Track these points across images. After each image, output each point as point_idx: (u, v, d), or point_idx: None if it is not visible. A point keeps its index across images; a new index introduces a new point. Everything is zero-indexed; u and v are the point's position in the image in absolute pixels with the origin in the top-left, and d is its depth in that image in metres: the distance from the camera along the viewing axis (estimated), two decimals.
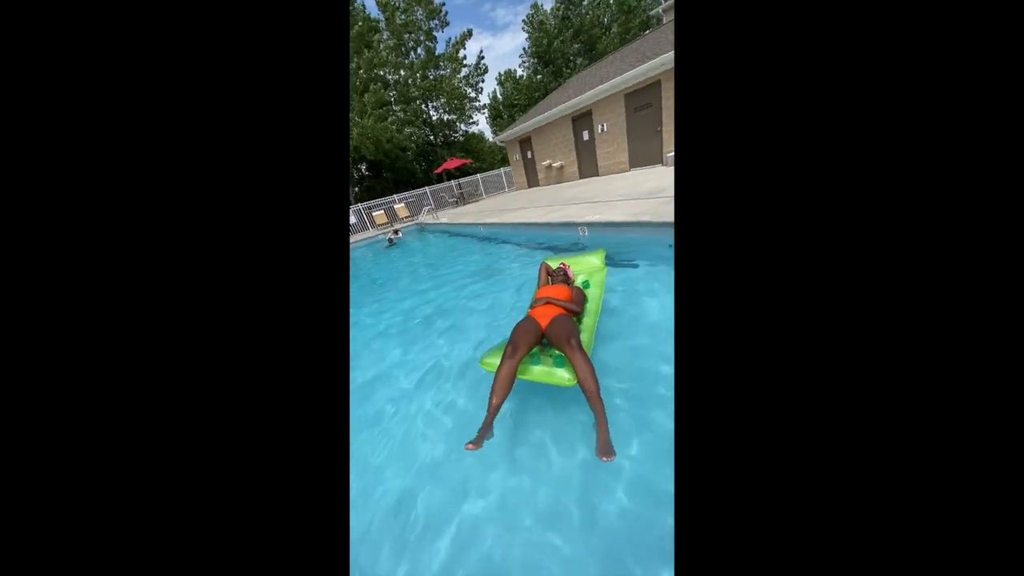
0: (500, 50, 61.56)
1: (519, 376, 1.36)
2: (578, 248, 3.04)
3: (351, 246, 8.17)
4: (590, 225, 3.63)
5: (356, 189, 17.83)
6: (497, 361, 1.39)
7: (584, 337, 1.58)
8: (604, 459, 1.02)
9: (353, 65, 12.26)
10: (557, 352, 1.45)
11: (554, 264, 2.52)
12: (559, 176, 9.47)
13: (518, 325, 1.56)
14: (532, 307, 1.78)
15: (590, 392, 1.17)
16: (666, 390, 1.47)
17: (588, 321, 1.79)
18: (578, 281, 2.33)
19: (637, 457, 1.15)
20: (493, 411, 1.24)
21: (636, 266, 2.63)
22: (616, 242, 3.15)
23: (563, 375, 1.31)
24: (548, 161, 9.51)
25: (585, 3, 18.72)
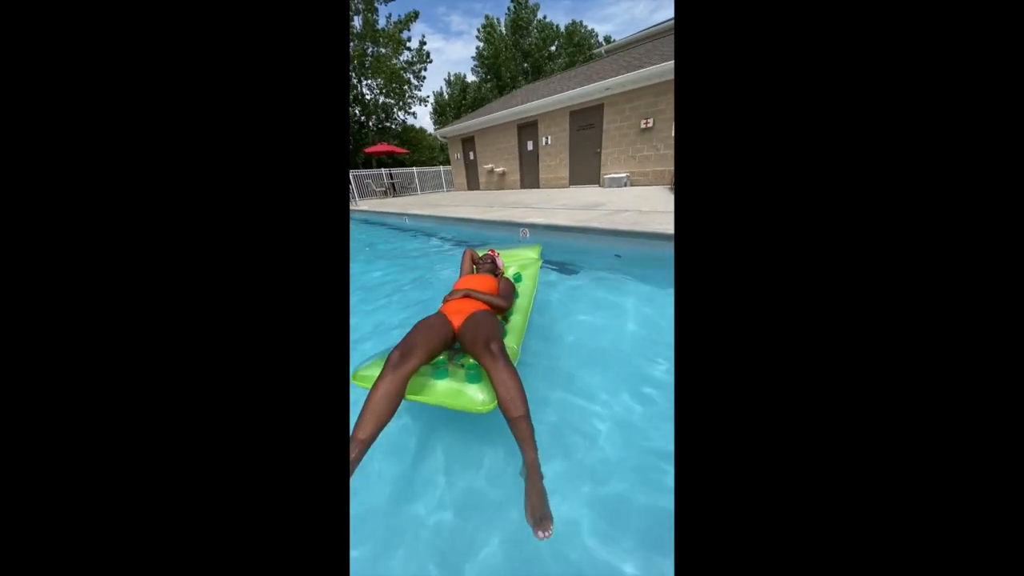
0: (451, 55, 61.26)
1: (412, 397, 0.92)
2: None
3: None
4: (532, 227, 3.29)
5: None
6: (376, 374, 0.92)
7: (511, 341, 1.22)
8: (540, 534, 0.65)
9: None
10: (472, 361, 1.05)
11: (481, 252, 2.00)
12: (500, 182, 9.25)
13: (420, 322, 1.11)
14: (445, 300, 1.35)
15: (515, 416, 0.82)
16: (602, 408, 1.17)
17: (516, 319, 1.43)
18: (508, 273, 1.94)
19: (583, 521, 0.77)
20: (360, 448, 0.78)
21: (576, 272, 2.35)
22: (558, 246, 2.85)
23: (476, 396, 0.90)
24: (491, 165, 9.21)
25: (534, 30, 19.81)
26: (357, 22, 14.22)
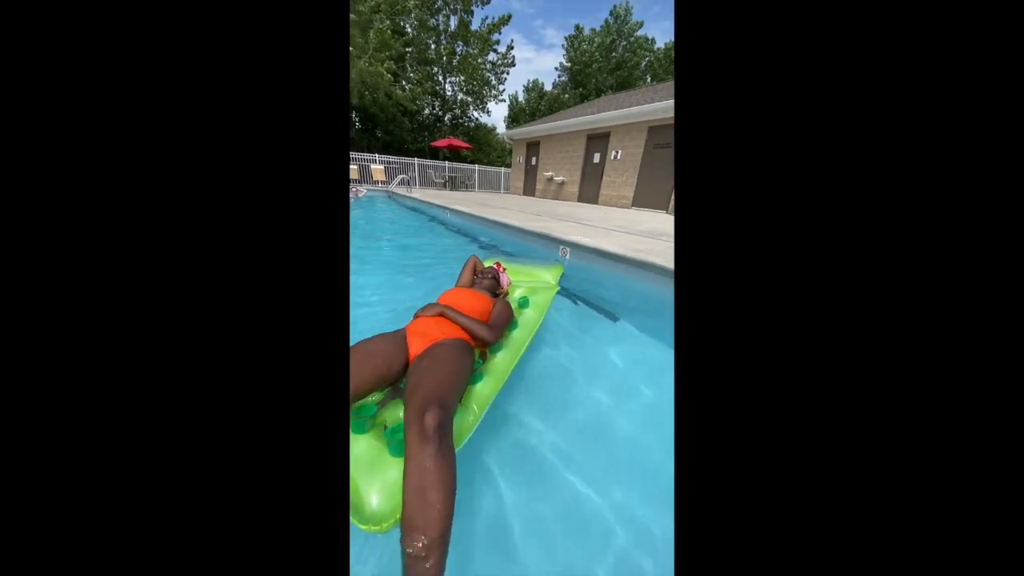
0: (539, 66, 62.90)
1: None
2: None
3: None
4: (575, 247, 2.79)
5: None
6: None
7: (481, 390, 0.88)
8: None
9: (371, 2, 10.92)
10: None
11: (488, 262, 1.57)
12: (557, 192, 8.82)
13: (361, 343, 0.80)
14: (416, 315, 1.03)
15: (419, 544, 0.45)
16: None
17: (502, 360, 1.06)
18: (514, 295, 1.56)
19: None
20: None
21: (614, 318, 1.70)
22: (598, 278, 2.32)
23: (368, 499, 0.54)
24: (551, 173, 8.85)
25: (626, 43, 19.06)
26: (453, 22, 15.01)
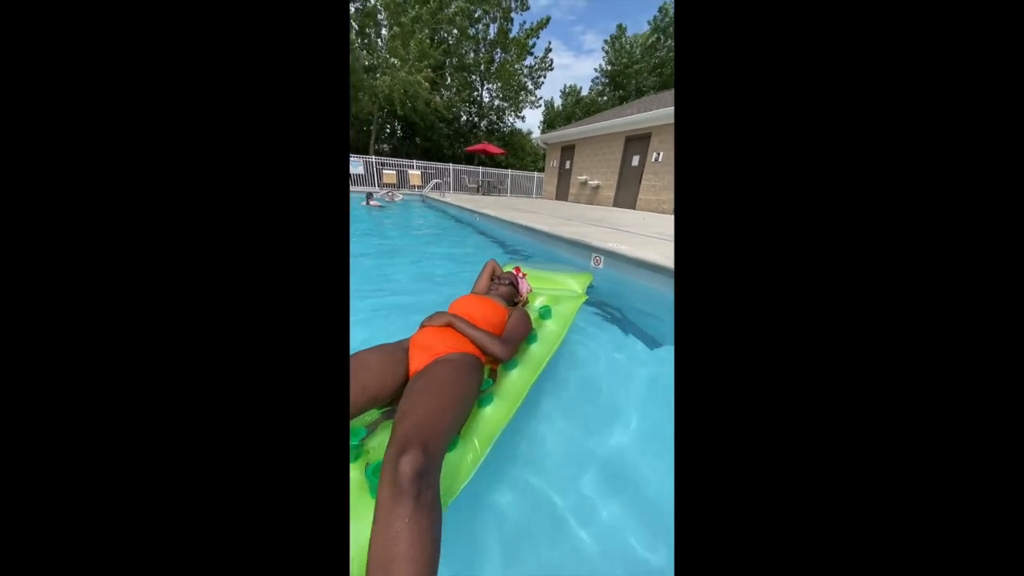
0: (577, 71, 62.58)
1: None
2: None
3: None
4: (610, 256, 2.59)
5: (386, 146, 17.09)
6: None
7: (492, 414, 0.76)
8: None
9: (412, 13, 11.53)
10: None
11: (508, 266, 1.53)
12: (592, 196, 8.54)
13: (361, 353, 0.72)
14: (422, 325, 0.92)
15: None
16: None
17: (516, 379, 0.93)
18: (534, 304, 1.41)
19: None
20: None
21: (656, 343, 1.45)
22: (637, 292, 2.10)
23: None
24: (585, 177, 8.60)
25: (671, 41, 18.22)
26: (492, 29, 15.40)
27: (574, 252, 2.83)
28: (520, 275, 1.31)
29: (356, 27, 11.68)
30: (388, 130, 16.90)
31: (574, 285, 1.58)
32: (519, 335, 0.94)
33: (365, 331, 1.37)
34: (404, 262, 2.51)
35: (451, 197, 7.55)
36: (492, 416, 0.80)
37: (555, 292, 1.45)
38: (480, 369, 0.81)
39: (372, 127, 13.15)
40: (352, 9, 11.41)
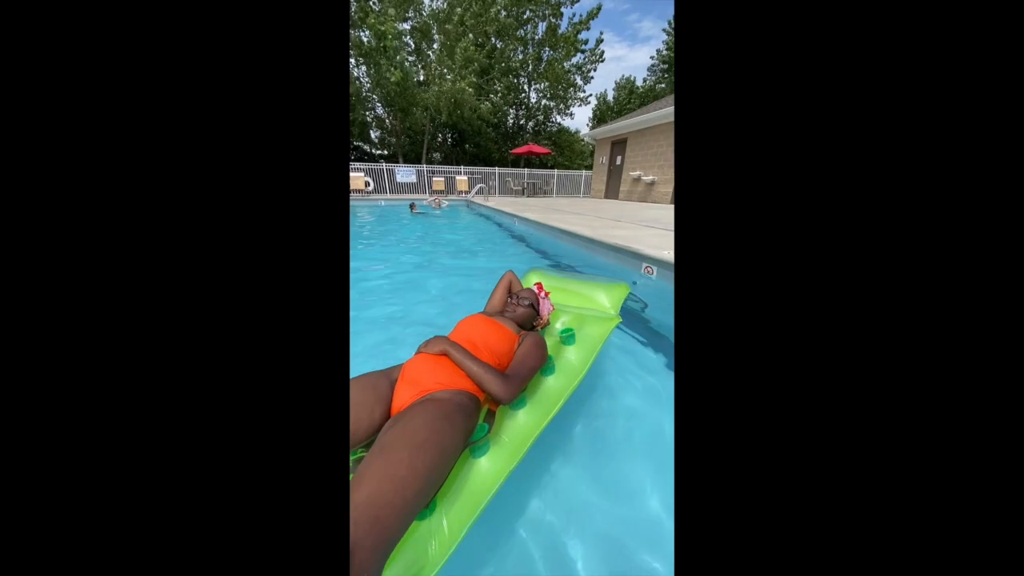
0: (631, 62, 59.22)
1: None
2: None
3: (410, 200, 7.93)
4: (661, 264, 2.27)
5: (437, 155, 18.20)
6: None
7: (485, 469, 0.66)
8: None
9: (458, 15, 12.00)
10: None
11: (534, 279, 1.39)
12: (646, 193, 7.88)
13: (362, 377, 0.70)
14: (418, 350, 0.83)
15: None
16: None
17: (523, 423, 0.79)
18: (555, 325, 1.22)
19: None
20: None
21: None
22: None
23: None
24: (639, 172, 7.98)
25: None
26: (541, 28, 15.34)
27: (621, 260, 2.55)
28: (543, 294, 1.15)
29: (412, 45, 12.64)
30: (439, 139, 17.96)
31: (604, 301, 1.36)
32: (528, 369, 0.80)
33: (367, 357, 1.36)
34: (430, 274, 2.53)
35: (494, 201, 7.64)
36: (486, 471, 0.67)
37: (581, 311, 1.26)
38: (475, 411, 0.70)
39: (424, 137, 14.07)
40: (408, 26, 12.32)
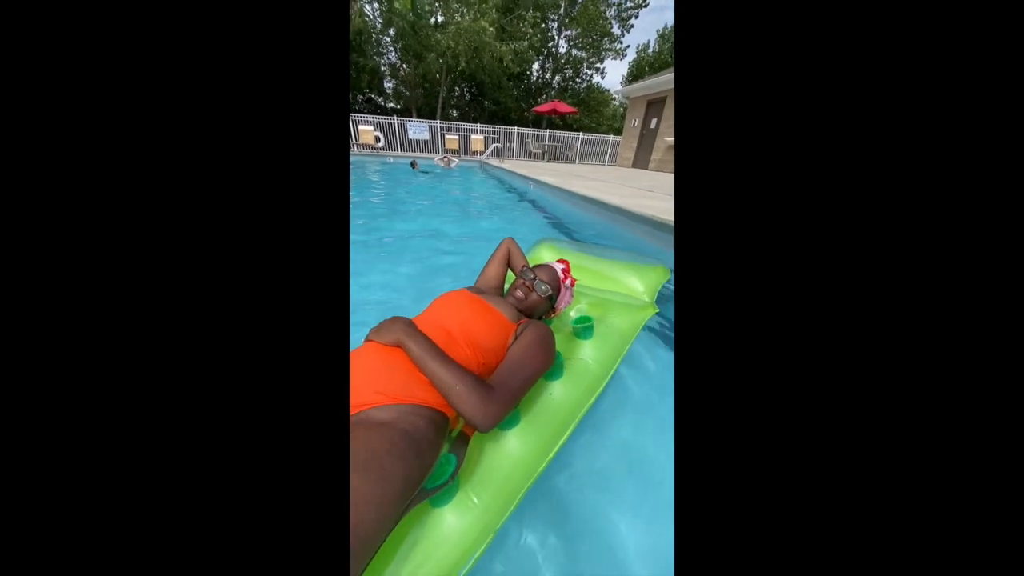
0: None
1: None
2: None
3: (414, 158, 7.51)
4: None
5: (454, 111, 17.09)
6: None
7: (459, 525, 0.46)
8: None
9: None
10: None
11: (547, 254, 1.17)
12: None
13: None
14: (367, 338, 0.56)
15: None
16: None
17: (519, 451, 0.55)
18: (571, 311, 0.93)
19: None
20: None
21: None
22: None
23: None
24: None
25: None
26: None
27: (657, 238, 2.19)
28: (568, 280, 0.81)
29: None
30: (456, 92, 16.76)
31: (636, 285, 1.07)
32: (523, 377, 0.55)
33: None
34: (415, 239, 2.26)
35: (509, 163, 7.09)
36: (453, 534, 0.45)
37: (605, 296, 0.98)
38: (436, 439, 0.47)
39: (440, 89, 13.09)
40: None
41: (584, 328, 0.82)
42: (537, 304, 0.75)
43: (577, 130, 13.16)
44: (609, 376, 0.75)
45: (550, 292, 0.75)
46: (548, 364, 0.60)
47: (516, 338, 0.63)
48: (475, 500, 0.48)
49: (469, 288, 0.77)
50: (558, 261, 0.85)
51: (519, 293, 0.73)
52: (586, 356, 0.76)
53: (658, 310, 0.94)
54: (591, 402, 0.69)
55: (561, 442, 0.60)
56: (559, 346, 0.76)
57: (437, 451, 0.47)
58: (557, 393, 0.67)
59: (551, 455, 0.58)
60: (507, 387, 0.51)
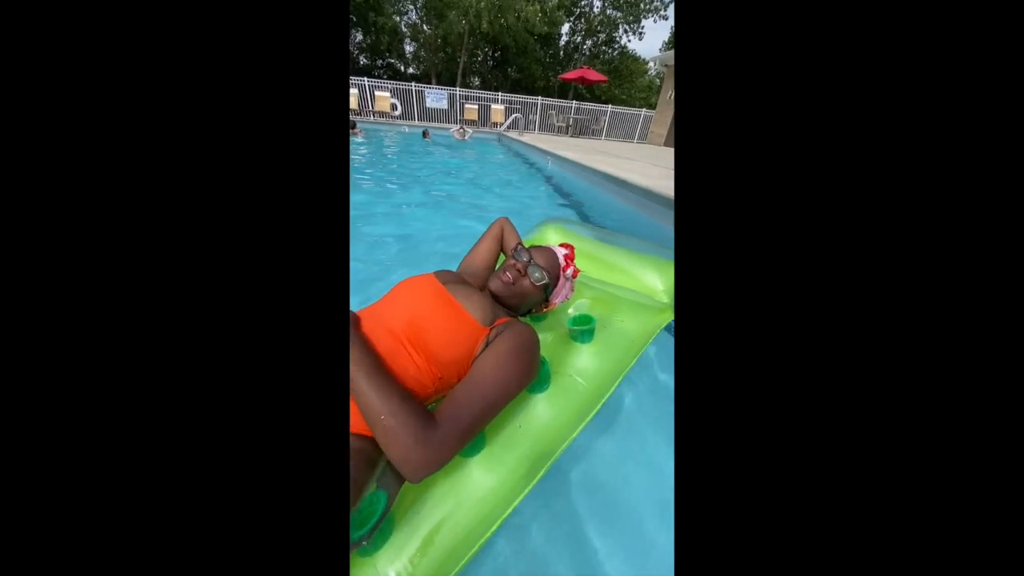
0: None
1: None
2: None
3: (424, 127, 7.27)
4: None
5: (476, 79, 16.31)
6: None
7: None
8: None
9: None
10: None
11: (552, 237, 1.01)
12: None
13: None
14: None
15: None
16: None
17: (485, 482, 0.45)
18: (569, 308, 0.77)
19: None
20: None
21: None
22: None
23: None
24: None
25: None
26: None
27: None
28: (569, 269, 0.67)
29: None
30: (479, 57, 15.92)
31: (654, 282, 0.91)
32: (485, 406, 0.43)
33: None
34: (405, 215, 2.12)
35: (529, 137, 6.71)
36: None
37: (612, 291, 0.83)
38: (361, 475, 0.37)
39: (462, 54, 12.43)
40: None
41: (583, 331, 0.68)
42: (527, 293, 0.61)
43: (606, 102, 12.27)
44: (609, 393, 0.63)
45: (545, 280, 0.61)
46: (523, 383, 0.48)
47: (487, 344, 0.50)
48: (410, 566, 0.38)
49: (440, 274, 0.62)
50: (561, 245, 0.70)
51: (507, 276, 0.59)
52: (584, 363, 0.63)
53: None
54: (581, 427, 0.57)
55: (538, 477, 0.49)
56: (549, 349, 0.64)
57: (360, 489, 0.37)
58: (539, 411, 0.55)
59: (523, 494, 0.48)
60: (457, 422, 0.39)
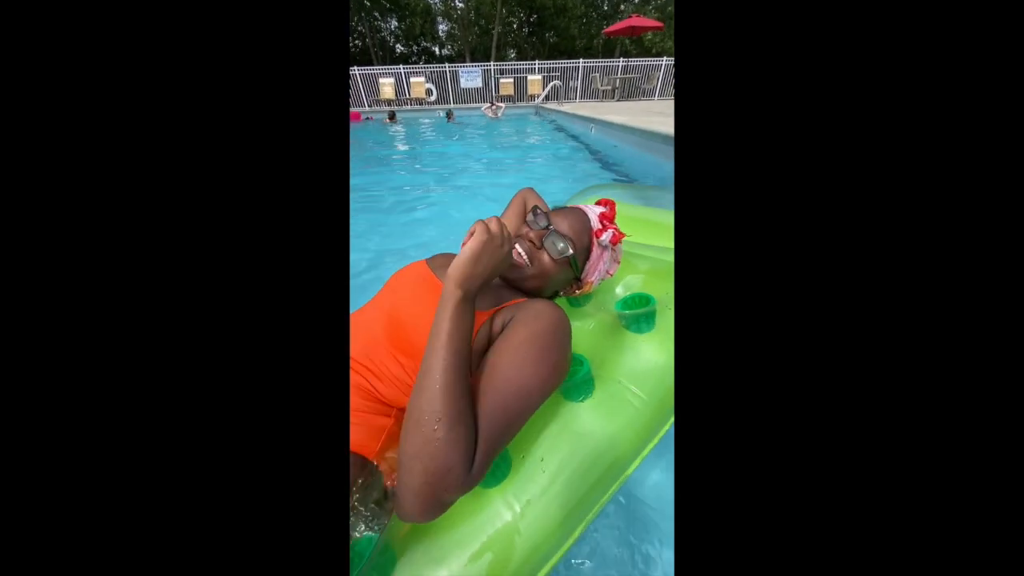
0: None
1: None
2: None
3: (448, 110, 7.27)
4: None
5: (512, 51, 15.76)
6: None
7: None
8: None
9: None
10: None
11: (593, 200, 0.60)
12: None
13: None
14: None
15: None
16: None
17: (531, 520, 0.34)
18: (617, 287, 0.58)
19: None
20: None
21: None
22: None
23: None
24: None
25: None
26: None
27: None
28: (607, 232, 0.47)
29: None
30: (514, 26, 15.28)
31: None
32: (505, 421, 0.32)
33: None
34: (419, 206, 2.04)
35: (569, 107, 6.27)
36: None
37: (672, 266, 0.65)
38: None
39: (495, 26, 12.03)
40: None
41: (640, 316, 0.52)
42: (548, 274, 0.44)
43: (660, 55, 10.94)
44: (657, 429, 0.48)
45: (570, 252, 0.43)
46: (552, 380, 0.35)
47: (490, 337, 0.38)
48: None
49: (436, 258, 0.50)
50: (598, 203, 0.52)
51: (516, 250, 0.42)
52: (642, 363, 0.48)
53: None
54: (652, 444, 0.44)
55: (590, 518, 0.38)
56: (590, 344, 0.50)
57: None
58: (587, 420, 0.43)
59: (572, 539, 0.37)
60: (481, 444, 0.30)
